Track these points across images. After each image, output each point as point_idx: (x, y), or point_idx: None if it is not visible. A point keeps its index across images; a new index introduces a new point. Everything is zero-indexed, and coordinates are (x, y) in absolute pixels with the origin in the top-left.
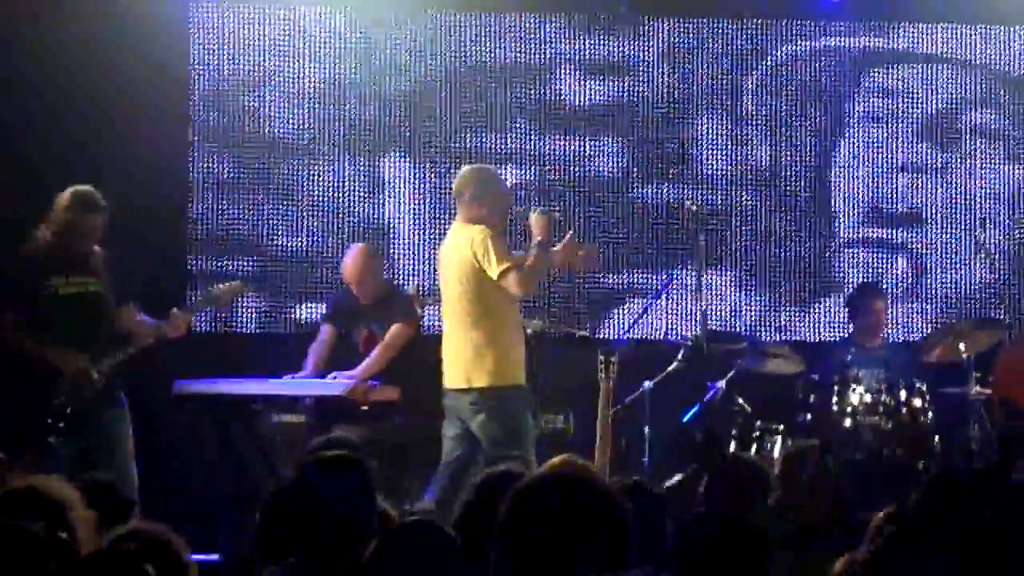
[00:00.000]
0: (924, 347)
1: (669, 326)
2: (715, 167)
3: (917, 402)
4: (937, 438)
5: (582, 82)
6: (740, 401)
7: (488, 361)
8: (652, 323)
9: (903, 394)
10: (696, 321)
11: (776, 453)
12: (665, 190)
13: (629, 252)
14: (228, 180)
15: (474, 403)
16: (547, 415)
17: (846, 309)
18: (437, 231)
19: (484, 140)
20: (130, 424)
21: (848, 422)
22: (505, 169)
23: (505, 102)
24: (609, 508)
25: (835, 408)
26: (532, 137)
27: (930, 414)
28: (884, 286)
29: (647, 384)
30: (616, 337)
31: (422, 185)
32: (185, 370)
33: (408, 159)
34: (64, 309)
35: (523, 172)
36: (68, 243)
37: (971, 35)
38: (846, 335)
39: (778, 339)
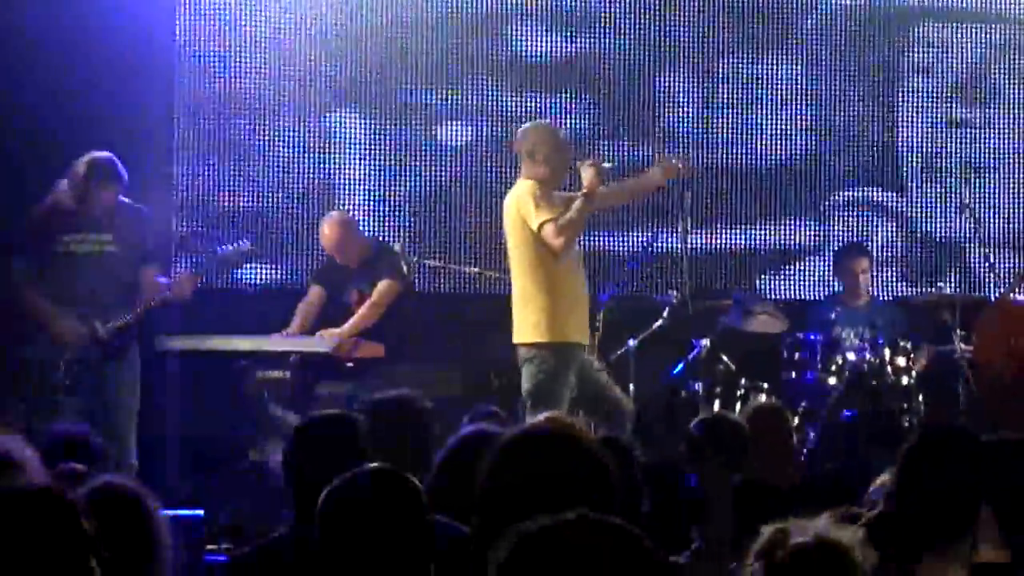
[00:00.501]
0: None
1: (654, 283)
2: (687, 125)
3: (901, 360)
4: (922, 396)
5: (542, 35)
6: (725, 359)
7: (532, 316)
8: (637, 280)
9: (888, 352)
10: (681, 278)
11: None
12: (632, 149)
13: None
14: (212, 144)
15: (520, 358)
16: None
17: (832, 268)
18: (393, 187)
19: (437, 95)
20: (137, 384)
21: (833, 380)
22: (459, 126)
23: (461, 55)
24: (593, 464)
25: (820, 366)
26: (489, 93)
27: (914, 372)
28: (868, 245)
29: (632, 341)
30: (601, 294)
31: (378, 140)
32: (169, 327)
33: (360, 114)
34: (74, 267)
35: (479, 129)
36: (86, 207)
37: None
38: (831, 293)
39: (763, 297)
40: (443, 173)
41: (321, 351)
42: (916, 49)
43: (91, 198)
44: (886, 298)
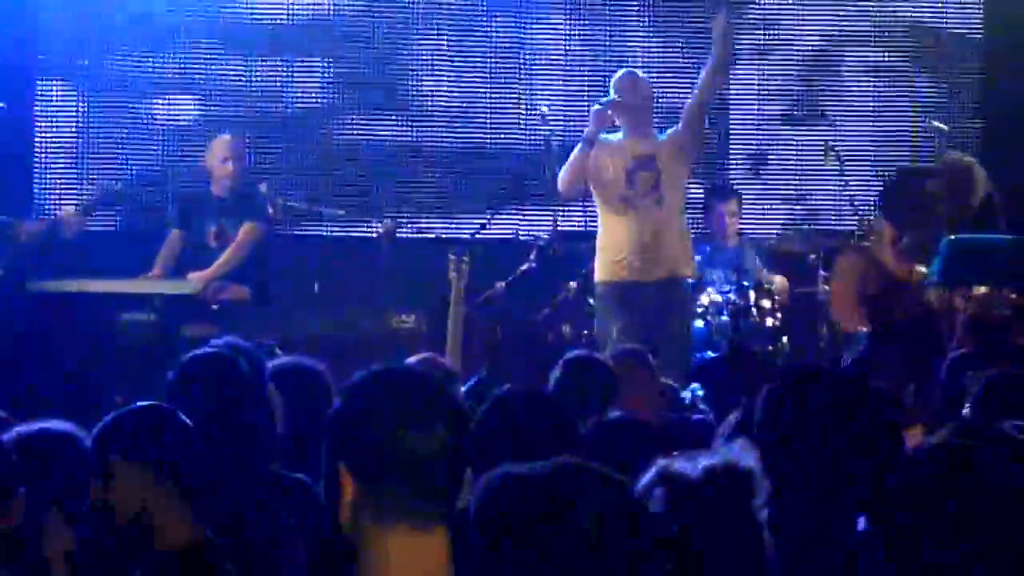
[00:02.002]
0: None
1: (521, 227)
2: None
3: (766, 302)
4: (786, 337)
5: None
6: (591, 301)
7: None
8: (504, 224)
9: (752, 294)
10: (549, 222)
11: None
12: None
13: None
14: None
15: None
16: (398, 315)
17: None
18: None
19: (152, 65)
20: None
21: (699, 322)
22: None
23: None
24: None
25: None
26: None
27: (779, 314)
28: (735, 186)
29: (499, 285)
30: (468, 237)
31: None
32: (33, 270)
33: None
34: None
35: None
36: None
37: None
38: (699, 234)
39: None
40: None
41: (186, 293)
42: (752, 31)
43: None
44: (753, 239)
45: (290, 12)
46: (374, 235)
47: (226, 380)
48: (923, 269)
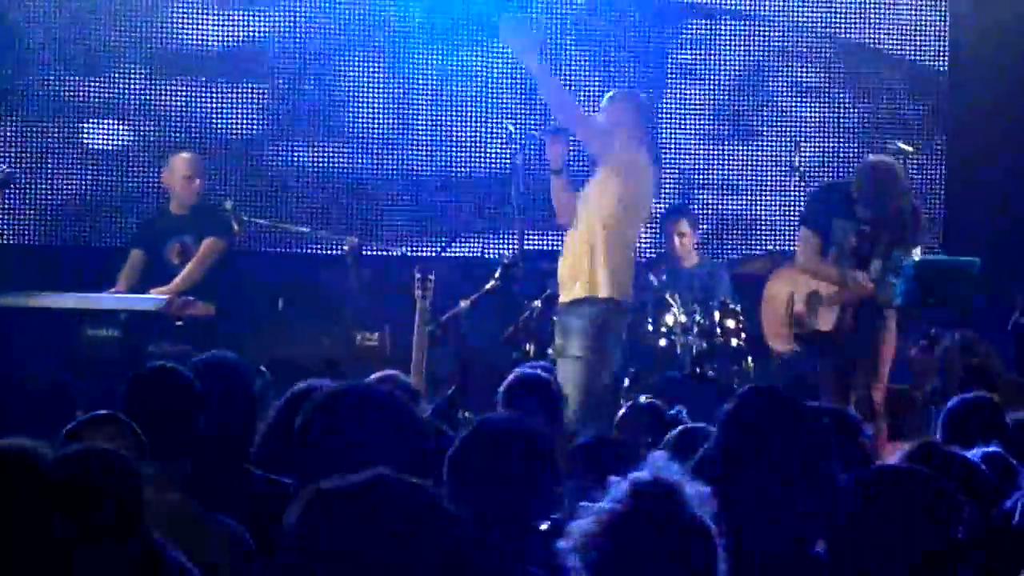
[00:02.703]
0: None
1: (485, 245)
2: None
3: (731, 322)
4: (751, 358)
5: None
6: (555, 319)
7: None
8: (469, 242)
9: (717, 314)
10: (513, 240)
11: None
12: (304, 153)
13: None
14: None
15: None
16: (364, 332)
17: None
18: None
19: (88, 87)
20: None
21: (663, 342)
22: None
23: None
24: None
25: (650, 328)
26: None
27: (743, 334)
28: (694, 207)
29: (463, 303)
30: (433, 255)
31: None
32: None
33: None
34: None
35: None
36: None
37: None
38: (657, 255)
39: None
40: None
41: (150, 309)
42: (682, 50)
43: None
44: (713, 259)
45: (232, 36)
46: (339, 252)
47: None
48: (859, 275)
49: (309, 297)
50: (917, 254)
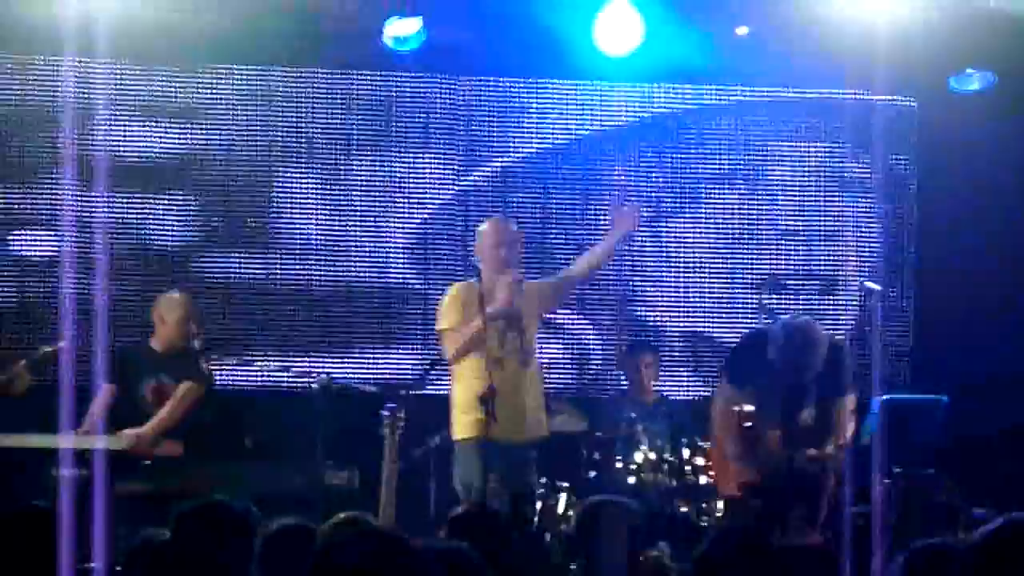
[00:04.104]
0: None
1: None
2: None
3: (700, 460)
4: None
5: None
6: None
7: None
8: (439, 378)
9: (686, 452)
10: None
11: (560, 510)
12: (241, 262)
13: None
14: None
15: None
16: (332, 470)
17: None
18: None
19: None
20: None
21: (632, 479)
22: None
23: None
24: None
25: (619, 465)
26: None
27: (711, 472)
28: (654, 343)
29: (433, 440)
30: (403, 392)
31: None
32: None
33: None
34: None
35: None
36: None
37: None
38: (620, 391)
39: (560, 396)
40: None
41: (119, 448)
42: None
43: None
44: (676, 397)
45: (158, 148)
46: (308, 389)
47: None
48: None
49: (277, 434)
50: (851, 402)
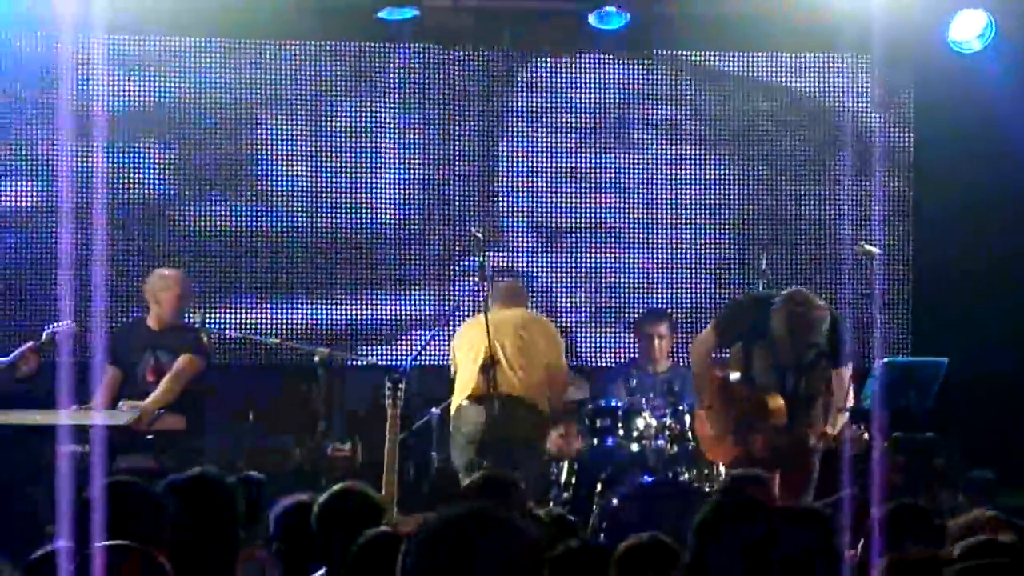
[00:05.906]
0: None
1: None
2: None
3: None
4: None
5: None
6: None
7: None
8: (439, 349)
9: (688, 419)
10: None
11: (562, 478)
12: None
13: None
14: None
15: None
16: (334, 441)
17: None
18: None
19: None
20: None
21: (635, 447)
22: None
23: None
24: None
25: (621, 433)
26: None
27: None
28: (670, 310)
29: (434, 411)
30: (403, 364)
31: None
32: None
33: None
34: None
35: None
36: None
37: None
38: (629, 358)
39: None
40: None
41: (120, 424)
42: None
43: None
44: (681, 365)
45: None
46: (310, 363)
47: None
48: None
49: (279, 409)
50: (847, 372)
